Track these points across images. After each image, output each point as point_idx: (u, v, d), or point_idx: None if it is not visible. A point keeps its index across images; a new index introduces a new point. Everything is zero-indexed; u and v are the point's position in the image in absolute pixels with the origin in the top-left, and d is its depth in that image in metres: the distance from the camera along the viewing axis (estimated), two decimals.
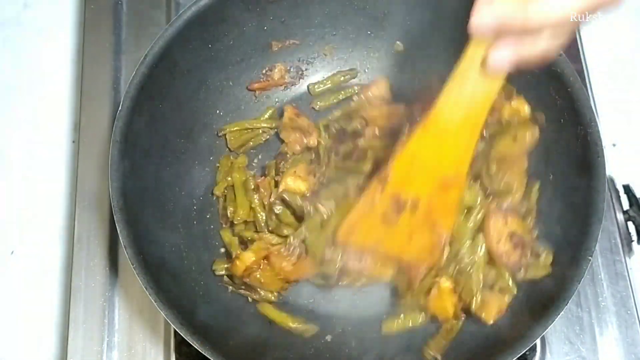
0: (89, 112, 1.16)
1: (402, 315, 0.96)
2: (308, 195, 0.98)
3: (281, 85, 1.15)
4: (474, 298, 0.90)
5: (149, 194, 0.97)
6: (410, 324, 0.96)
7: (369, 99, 1.12)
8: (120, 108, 0.91)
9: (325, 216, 0.93)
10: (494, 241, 0.91)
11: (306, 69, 1.16)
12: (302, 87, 1.16)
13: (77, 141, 1.16)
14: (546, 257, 0.91)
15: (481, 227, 0.93)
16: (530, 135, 0.95)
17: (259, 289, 0.98)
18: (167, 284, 0.89)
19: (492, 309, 0.90)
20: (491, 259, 0.92)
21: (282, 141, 1.08)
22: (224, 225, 1.05)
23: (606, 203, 0.87)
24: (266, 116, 1.12)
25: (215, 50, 1.04)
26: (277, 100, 1.16)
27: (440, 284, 0.91)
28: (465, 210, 0.93)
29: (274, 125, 1.10)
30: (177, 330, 0.83)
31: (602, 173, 0.87)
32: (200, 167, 1.08)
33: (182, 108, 1.04)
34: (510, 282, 0.91)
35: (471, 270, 0.91)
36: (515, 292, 0.91)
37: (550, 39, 0.67)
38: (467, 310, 0.93)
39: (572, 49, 1.19)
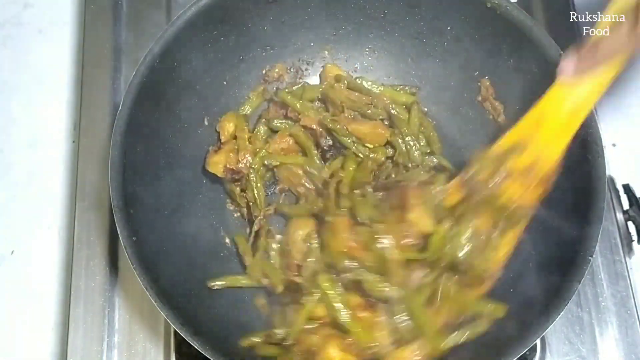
0: (89, 112, 1.16)
1: None
2: None
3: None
4: None
5: (149, 194, 0.97)
6: None
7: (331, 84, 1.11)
8: (120, 108, 0.91)
9: None
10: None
11: (306, 69, 1.16)
12: None
13: (77, 141, 1.16)
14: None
15: None
16: None
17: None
18: (168, 284, 0.89)
19: None
20: None
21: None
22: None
23: (606, 203, 0.87)
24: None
25: (215, 50, 1.04)
26: None
27: None
28: None
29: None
30: (177, 330, 0.83)
31: (602, 173, 0.87)
32: (201, 166, 1.08)
33: (183, 108, 1.03)
34: None
35: None
36: None
37: None
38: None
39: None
